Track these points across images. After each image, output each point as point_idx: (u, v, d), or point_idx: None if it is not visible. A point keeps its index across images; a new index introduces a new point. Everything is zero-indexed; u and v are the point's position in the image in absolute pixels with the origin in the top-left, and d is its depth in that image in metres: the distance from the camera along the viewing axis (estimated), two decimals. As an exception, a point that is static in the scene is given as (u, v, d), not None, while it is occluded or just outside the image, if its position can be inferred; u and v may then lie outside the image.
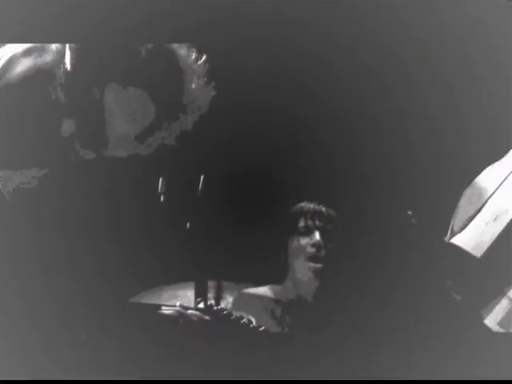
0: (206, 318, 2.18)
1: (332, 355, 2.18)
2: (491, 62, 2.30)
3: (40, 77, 1.85)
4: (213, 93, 1.98)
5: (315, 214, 2.44)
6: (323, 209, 2.45)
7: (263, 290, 2.48)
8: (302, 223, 2.44)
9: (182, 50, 1.96)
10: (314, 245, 2.40)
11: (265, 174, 2.49)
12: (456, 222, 2.27)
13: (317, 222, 2.43)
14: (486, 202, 2.25)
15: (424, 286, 2.25)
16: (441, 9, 2.27)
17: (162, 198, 2.30)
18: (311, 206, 2.46)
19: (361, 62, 2.46)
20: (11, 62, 1.87)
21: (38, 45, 1.89)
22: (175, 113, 1.93)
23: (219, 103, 2.02)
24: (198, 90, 1.96)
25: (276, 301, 2.44)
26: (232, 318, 2.20)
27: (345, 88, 2.48)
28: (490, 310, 2.17)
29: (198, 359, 2.14)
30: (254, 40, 2.36)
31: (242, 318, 2.20)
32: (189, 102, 1.94)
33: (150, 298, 2.41)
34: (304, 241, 2.42)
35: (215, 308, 2.21)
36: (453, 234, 2.26)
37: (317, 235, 2.40)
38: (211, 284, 2.37)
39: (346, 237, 2.41)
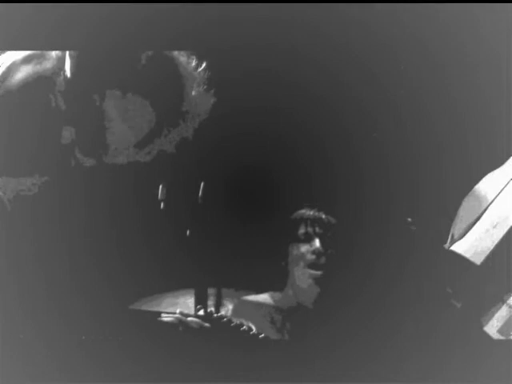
0: (206, 325, 2.18)
1: (332, 361, 2.18)
2: (491, 67, 2.30)
3: (40, 84, 1.86)
4: (213, 100, 1.99)
5: (315, 221, 2.44)
6: (323, 216, 2.45)
7: (263, 297, 2.48)
8: (302, 230, 2.45)
9: (182, 57, 1.96)
10: (314, 252, 2.40)
11: (265, 180, 2.49)
12: (456, 229, 2.26)
13: (317, 229, 2.43)
14: (485, 209, 2.25)
15: (424, 292, 2.25)
16: (440, 11, 2.27)
17: (161, 206, 2.30)
18: (311, 212, 2.46)
19: (363, 66, 2.46)
20: (11, 69, 1.87)
21: (38, 52, 1.89)
22: (175, 120, 1.94)
23: (219, 110, 2.02)
24: (198, 96, 1.96)
25: (276, 308, 2.44)
26: (232, 325, 2.19)
27: (346, 94, 2.49)
28: (490, 318, 2.17)
29: (198, 366, 2.14)
30: (254, 45, 2.36)
31: (241, 325, 2.20)
32: (189, 109, 1.95)
33: (149, 305, 2.41)
34: (304, 248, 2.42)
35: (215, 315, 2.20)
36: (453, 241, 2.26)
37: (317, 242, 2.40)
38: (211, 291, 2.37)
39: (346, 244, 2.41)
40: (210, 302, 2.30)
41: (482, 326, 2.17)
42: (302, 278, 2.41)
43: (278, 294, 2.48)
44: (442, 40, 2.35)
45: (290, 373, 2.16)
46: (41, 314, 2.11)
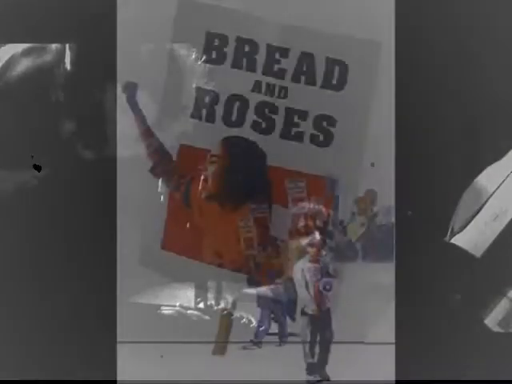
0: (206, 318, 2.18)
1: (331, 357, 2.18)
2: (493, 62, 2.30)
3: (40, 77, 1.86)
4: (213, 93, 1.99)
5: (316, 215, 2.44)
6: (323, 209, 2.45)
7: (263, 290, 2.48)
8: (302, 223, 2.44)
9: (182, 49, 1.96)
10: (313, 245, 2.40)
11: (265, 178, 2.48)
12: (456, 222, 2.26)
13: (317, 223, 2.43)
14: (485, 202, 2.25)
15: (423, 286, 2.25)
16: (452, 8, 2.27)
17: (161, 199, 2.30)
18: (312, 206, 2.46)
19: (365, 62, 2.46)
20: (11, 61, 1.87)
21: (38, 44, 1.89)
22: (175, 113, 1.94)
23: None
24: (198, 90, 1.96)
25: (276, 301, 2.44)
26: (232, 318, 2.20)
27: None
28: (490, 311, 2.17)
29: (198, 360, 2.14)
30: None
31: (241, 318, 2.20)
32: (189, 103, 1.95)
33: (149, 298, 2.41)
34: (304, 241, 2.42)
35: (215, 308, 2.20)
36: (453, 234, 2.26)
37: (317, 235, 2.40)
38: (211, 284, 2.36)
39: (346, 237, 2.41)
40: (210, 295, 2.30)
41: (482, 319, 2.17)
42: (302, 271, 2.41)
43: (278, 287, 2.48)
44: (446, 32, 2.34)
45: (289, 368, 2.17)
46: (37, 309, 2.11)
